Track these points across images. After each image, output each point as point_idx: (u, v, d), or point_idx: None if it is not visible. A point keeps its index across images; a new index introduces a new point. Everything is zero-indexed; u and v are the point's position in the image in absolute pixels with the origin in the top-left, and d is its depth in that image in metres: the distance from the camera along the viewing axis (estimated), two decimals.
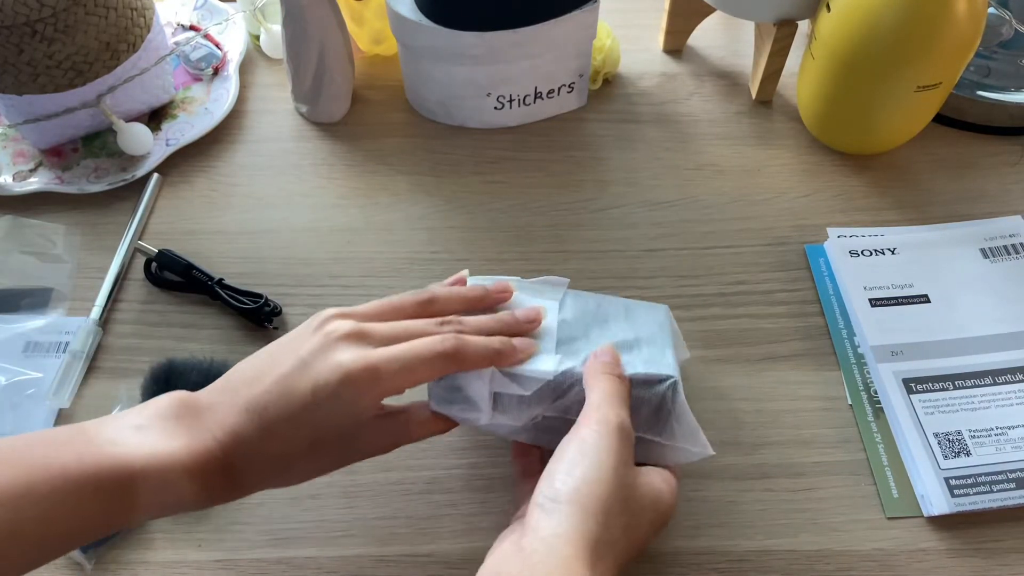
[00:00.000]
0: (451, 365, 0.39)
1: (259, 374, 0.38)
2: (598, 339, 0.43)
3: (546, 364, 0.41)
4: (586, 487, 0.35)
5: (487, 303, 0.43)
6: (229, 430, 0.36)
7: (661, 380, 0.41)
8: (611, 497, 0.35)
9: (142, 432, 0.36)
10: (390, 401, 0.39)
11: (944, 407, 0.49)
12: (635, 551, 0.37)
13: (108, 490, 0.34)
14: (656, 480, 0.39)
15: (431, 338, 0.39)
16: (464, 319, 0.41)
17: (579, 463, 0.36)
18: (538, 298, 0.45)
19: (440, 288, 0.43)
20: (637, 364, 0.42)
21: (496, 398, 0.41)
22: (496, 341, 0.40)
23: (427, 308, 0.42)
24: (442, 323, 0.40)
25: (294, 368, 0.37)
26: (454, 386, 0.41)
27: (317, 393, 0.36)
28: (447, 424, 0.41)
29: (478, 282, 0.45)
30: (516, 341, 0.41)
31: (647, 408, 0.42)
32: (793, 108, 0.65)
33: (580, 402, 0.40)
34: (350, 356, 0.37)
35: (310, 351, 0.37)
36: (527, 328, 0.42)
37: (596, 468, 0.35)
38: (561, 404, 0.41)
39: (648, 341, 0.44)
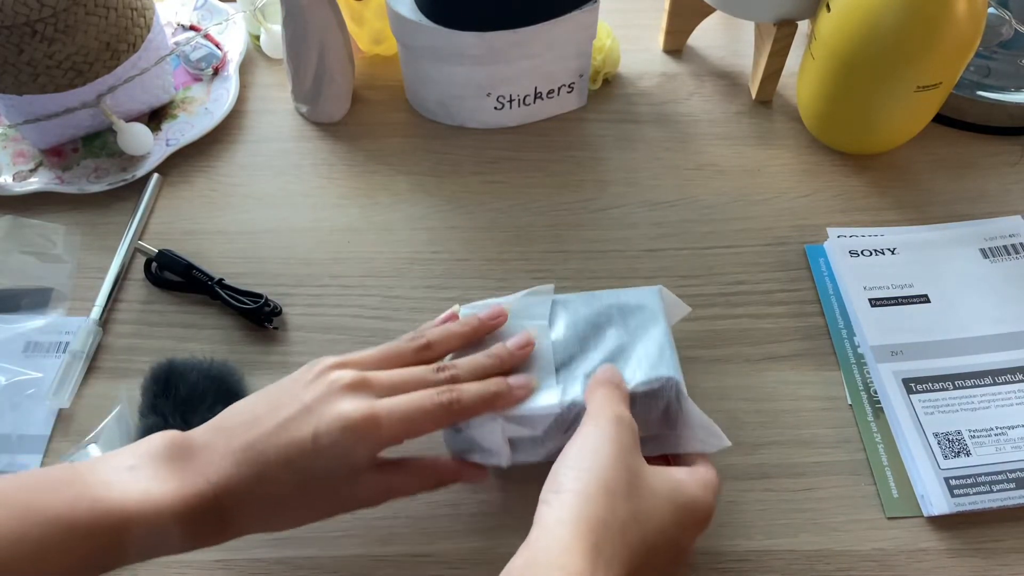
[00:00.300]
0: (451, 417, 0.39)
1: (257, 417, 0.38)
2: (594, 353, 0.43)
3: (550, 398, 0.41)
4: (587, 474, 0.35)
5: (482, 333, 0.44)
6: (223, 473, 0.36)
7: (662, 383, 0.41)
8: (614, 480, 0.35)
9: (135, 473, 0.36)
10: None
11: (944, 407, 0.49)
12: (659, 546, 0.36)
13: (100, 536, 0.34)
14: (675, 472, 0.38)
15: (430, 391, 0.39)
16: (459, 363, 0.41)
17: (580, 456, 0.36)
18: (527, 320, 0.45)
19: (434, 331, 0.43)
20: (636, 371, 0.42)
21: (511, 442, 0.41)
22: (492, 384, 0.40)
23: (424, 354, 0.42)
24: (439, 370, 0.41)
25: (296, 414, 0.37)
26: (468, 438, 0.42)
27: (318, 440, 0.36)
28: (456, 474, 0.42)
29: (469, 311, 0.45)
30: (512, 380, 0.41)
31: (656, 411, 0.42)
32: (793, 108, 0.65)
33: None
34: (352, 406, 0.37)
35: (313, 398, 0.38)
36: (521, 356, 0.43)
37: (595, 454, 0.36)
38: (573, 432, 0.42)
39: (645, 339, 0.44)
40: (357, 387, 0.38)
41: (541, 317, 0.45)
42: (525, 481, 0.46)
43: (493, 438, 0.41)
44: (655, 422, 0.43)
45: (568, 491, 0.35)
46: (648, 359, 0.43)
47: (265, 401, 0.39)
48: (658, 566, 0.36)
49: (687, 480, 0.38)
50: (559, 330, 0.44)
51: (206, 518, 0.36)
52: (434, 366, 0.41)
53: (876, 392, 0.50)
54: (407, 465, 0.41)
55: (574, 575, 0.31)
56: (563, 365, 0.43)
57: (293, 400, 0.38)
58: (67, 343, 0.52)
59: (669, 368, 0.42)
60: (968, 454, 0.47)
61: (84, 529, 0.33)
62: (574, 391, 0.41)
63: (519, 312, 0.45)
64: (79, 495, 0.34)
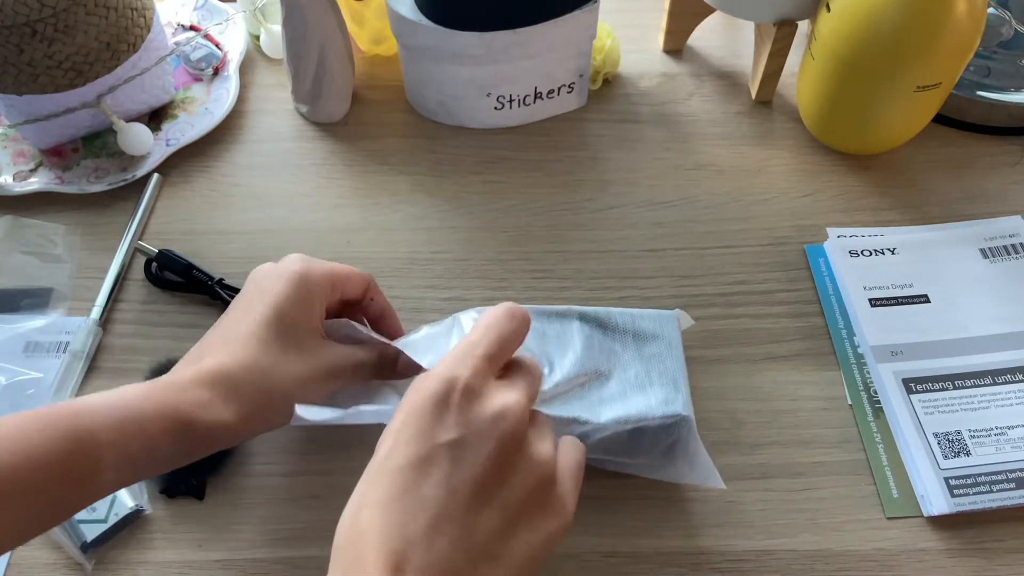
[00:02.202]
0: None
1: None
2: (611, 383, 0.44)
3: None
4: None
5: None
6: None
7: (676, 420, 0.42)
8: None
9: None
10: None
11: (944, 407, 0.49)
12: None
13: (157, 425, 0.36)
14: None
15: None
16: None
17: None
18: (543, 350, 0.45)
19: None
20: (652, 404, 0.42)
21: None
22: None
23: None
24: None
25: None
26: None
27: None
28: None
29: (472, 315, 0.45)
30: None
31: (662, 444, 0.43)
32: (793, 108, 0.65)
33: (604, 441, 0.42)
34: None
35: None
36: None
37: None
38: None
39: (660, 371, 0.44)
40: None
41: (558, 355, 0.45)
42: None
43: None
44: (658, 453, 0.43)
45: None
46: (663, 392, 0.43)
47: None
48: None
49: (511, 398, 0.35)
50: (571, 359, 0.44)
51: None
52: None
53: (876, 392, 0.50)
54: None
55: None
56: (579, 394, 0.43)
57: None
58: (67, 343, 0.52)
59: (684, 405, 0.42)
60: (968, 454, 0.47)
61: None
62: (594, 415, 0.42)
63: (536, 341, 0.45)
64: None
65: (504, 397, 0.33)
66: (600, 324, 0.46)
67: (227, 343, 0.39)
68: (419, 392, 0.33)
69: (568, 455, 0.36)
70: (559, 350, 0.44)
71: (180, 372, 0.39)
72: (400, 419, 0.33)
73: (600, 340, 0.45)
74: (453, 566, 0.30)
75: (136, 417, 0.35)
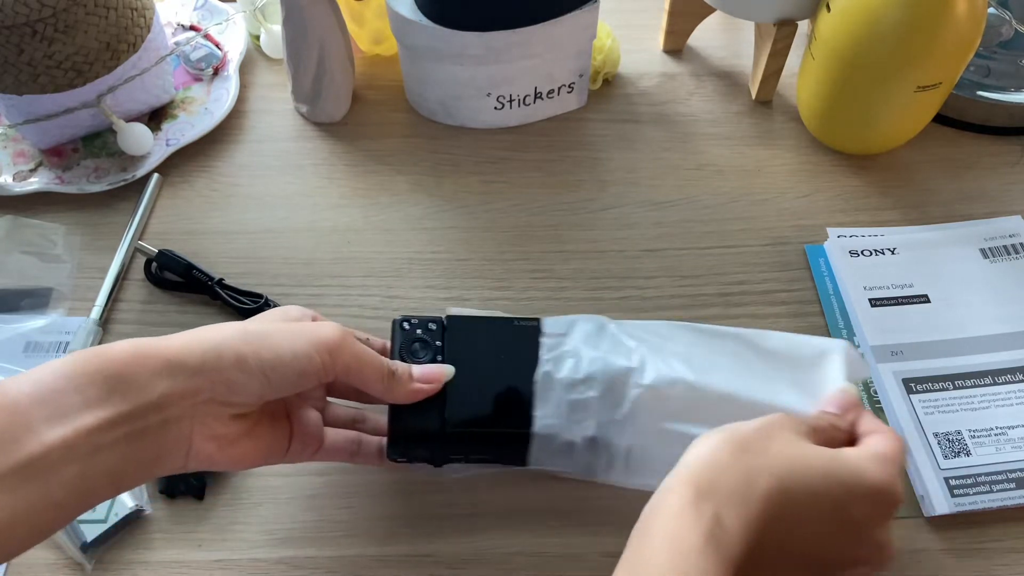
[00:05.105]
0: None
1: None
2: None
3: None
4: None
5: None
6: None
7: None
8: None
9: None
10: None
11: (944, 407, 0.49)
12: (810, 519, 0.33)
13: None
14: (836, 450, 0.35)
15: None
16: None
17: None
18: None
19: None
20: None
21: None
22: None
23: None
24: None
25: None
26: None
27: None
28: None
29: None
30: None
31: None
32: (793, 108, 0.65)
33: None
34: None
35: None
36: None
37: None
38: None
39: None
40: None
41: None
42: (525, 482, 0.46)
43: None
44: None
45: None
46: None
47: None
48: (823, 546, 0.34)
49: (850, 454, 0.35)
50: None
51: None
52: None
53: (876, 392, 0.50)
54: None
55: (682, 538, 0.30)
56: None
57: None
58: (67, 343, 0.52)
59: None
60: (968, 454, 0.47)
61: None
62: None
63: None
64: None
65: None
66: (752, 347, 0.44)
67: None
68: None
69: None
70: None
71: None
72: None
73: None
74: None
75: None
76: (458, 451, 0.43)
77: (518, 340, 0.44)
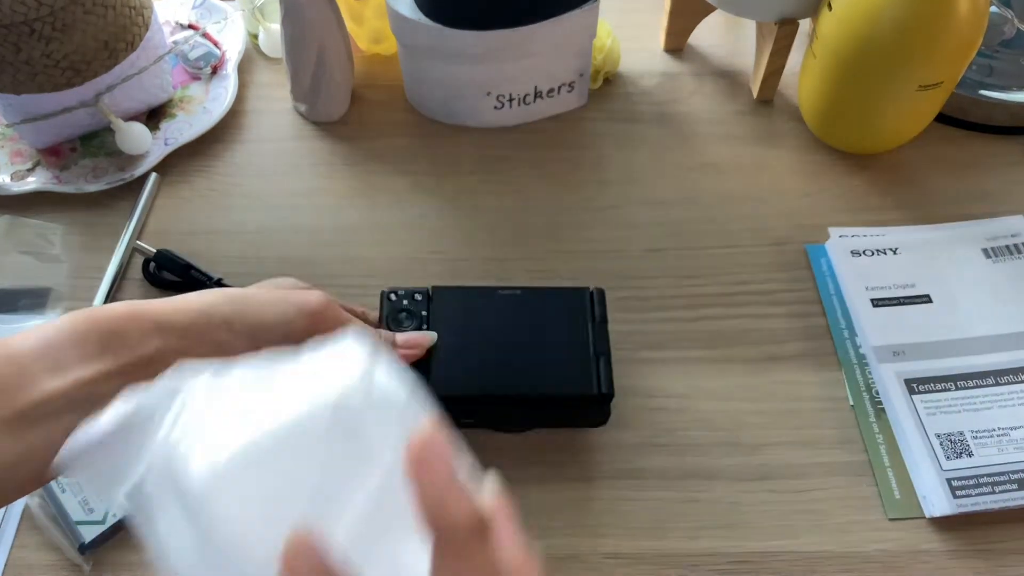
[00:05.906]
0: None
1: None
2: None
3: None
4: None
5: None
6: None
7: None
8: None
9: None
10: None
11: (946, 408, 0.48)
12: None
13: None
14: None
15: None
16: None
17: None
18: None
19: None
20: None
21: None
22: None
23: None
24: None
25: None
26: None
27: None
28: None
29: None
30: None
31: None
32: (794, 107, 0.65)
33: None
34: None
35: None
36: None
37: None
38: None
39: None
40: None
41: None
42: (525, 481, 0.46)
43: None
44: None
45: None
46: None
47: None
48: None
49: None
50: None
51: None
52: None
53: (878, 393, 0.50)
54: None
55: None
56: None
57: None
58: None
59: None
60: (970, 455, 0.46)
61: None
62: None
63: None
64: None
65: None
66: None
67: None
68: None
69: None
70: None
71: None
72: None
73: None
74: None
75: None
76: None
77: (501, 308, 0.46)
